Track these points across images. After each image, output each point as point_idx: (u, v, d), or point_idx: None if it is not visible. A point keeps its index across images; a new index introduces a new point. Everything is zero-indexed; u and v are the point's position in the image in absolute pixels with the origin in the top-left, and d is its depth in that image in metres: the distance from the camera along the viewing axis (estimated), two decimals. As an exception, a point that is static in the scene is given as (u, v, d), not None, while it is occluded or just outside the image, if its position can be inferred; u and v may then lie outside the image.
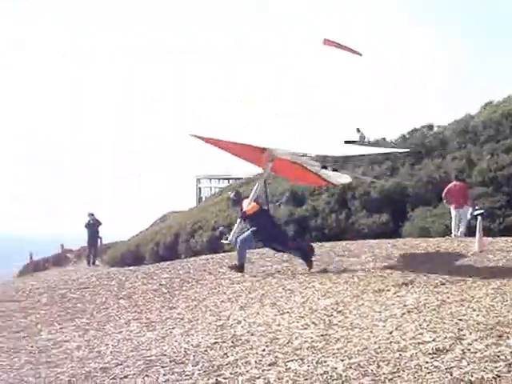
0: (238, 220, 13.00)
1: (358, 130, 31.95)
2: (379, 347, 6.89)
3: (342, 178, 15.91)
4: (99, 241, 25.79)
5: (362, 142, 29.02)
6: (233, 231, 12.99)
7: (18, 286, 16.00)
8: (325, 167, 14.43)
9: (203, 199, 42.51)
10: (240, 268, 12.91)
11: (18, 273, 27.19)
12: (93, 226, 24.92)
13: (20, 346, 8.77)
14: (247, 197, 13.19)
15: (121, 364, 7.29)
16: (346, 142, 29.11)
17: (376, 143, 26.98)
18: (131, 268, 15.90)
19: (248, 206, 12.65)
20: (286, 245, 13.03)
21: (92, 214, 24.95)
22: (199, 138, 12.58)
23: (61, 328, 9.88)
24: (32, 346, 8.72)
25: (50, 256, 27.53)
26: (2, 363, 7.89)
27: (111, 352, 7.98)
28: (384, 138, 27.95)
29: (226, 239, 13.01)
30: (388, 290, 10.09)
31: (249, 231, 12.60)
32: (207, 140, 12.66)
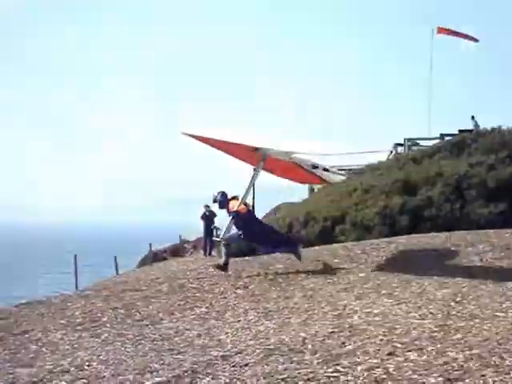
0: (230, 219, 12.97)
1: (473, 118, 30.99)
2: (501, 338, 6.74)
3: (336, 176, 15.85)
4: (215, 232, 26.29)
5: (476, 129, 28.12)
6: (224, 229, 12.99)
7: (139, 275, 16.62)
8: (315, 167, 13.98)
9: (315, 190, 42.47)
10: (224, 267, 12.95)
11: (138, 263, 28.24)
12: (209, 218, 25.50)
13: (144, 333, 9.15)
14: (235, 197, 13.13)
15: (240, 352, 7.48)
16: (461, 132, 28.22)
17: (492, 131, 26.02)
18: (247, 258, 16.17)
19: (238, 206, 12.68)
20: (269, 246, 13.26)
21: (208, 206, 25.53)
22: (191, 136, 12.76)
23: (181, 317, 10.22)
24: (155, 334, 9.07)
25: (168, 246, 28.40)
26: (127, 350, 8.26)
27: (231, 340, 8.20)
28: (500, 126, 26.90)
29: (218, 237, 13.22)
30: (508, 280, 9.81)
31: (236, 233, 12.85)
32: (199, 138, 12.85)
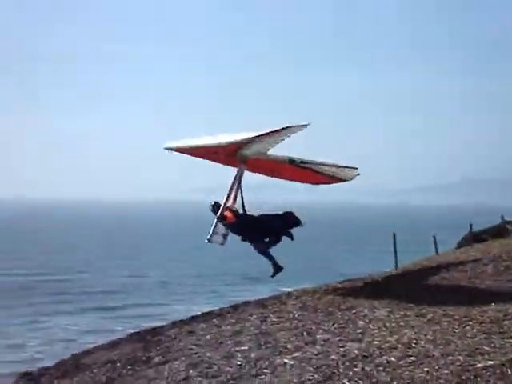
0: (215, 221, 11.88)
1: None
2: None
3: (347, 172, 12.98)
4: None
5: None
6: (210, 231, 11.92)
7: (458, 255, 16.27)
8: (292, 161, 12.11)
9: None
10: (278, 269, 11.85)
11: (456, 244, 27.64)
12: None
13: (471, 315, 8.90)
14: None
15: None
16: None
17: None
18: None
19: (225, 210, 11.69)
20: (262, 244, 11.81)
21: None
22: (171, 149, 13.20)
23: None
24: (482, 316, 8.78)
25: (489, 227, 27.35)
26: (454, 331, 8.13)
27: None
28: None
29: (208, 240, 11.97)
30: None
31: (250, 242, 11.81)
32: (178, 150, 13.13)
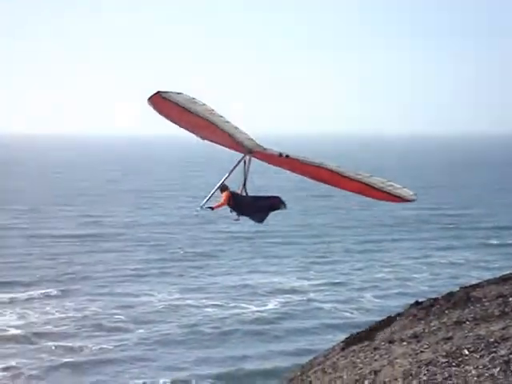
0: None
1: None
2: None
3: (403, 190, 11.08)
4: None
5: None
6: (204, 200, 12.40)
7: None
8: (280, 154, 11.46)
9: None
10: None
11: None
12: None
13: None
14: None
15: None
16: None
17: None
18: None
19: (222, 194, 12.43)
20: (258, 215, 12.83)
21: None
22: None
23: None
24: None
25: None
26: None
27: None
28: None
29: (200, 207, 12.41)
30: None
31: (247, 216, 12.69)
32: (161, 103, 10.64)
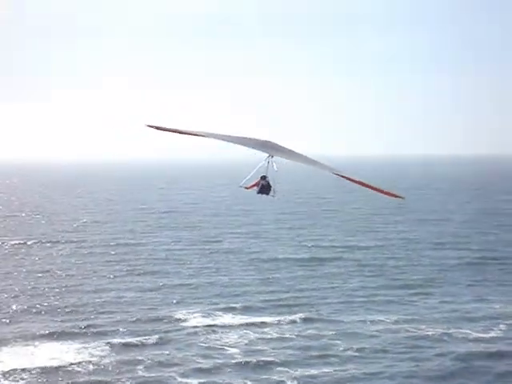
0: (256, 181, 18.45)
1: None
2: None
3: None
4: None
5: None
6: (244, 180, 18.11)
7: None
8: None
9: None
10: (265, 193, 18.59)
11: None
12: None
13: None
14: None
15: None
16: None
17: None
18: None
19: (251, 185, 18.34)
20: (265, 192, 18.45)
21: None
22: (154, 127, 15.46)
23: None
24: None
25: None
26: None
27: None
28: None
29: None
30: None
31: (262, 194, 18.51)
32: (159, 128, 15.49)
